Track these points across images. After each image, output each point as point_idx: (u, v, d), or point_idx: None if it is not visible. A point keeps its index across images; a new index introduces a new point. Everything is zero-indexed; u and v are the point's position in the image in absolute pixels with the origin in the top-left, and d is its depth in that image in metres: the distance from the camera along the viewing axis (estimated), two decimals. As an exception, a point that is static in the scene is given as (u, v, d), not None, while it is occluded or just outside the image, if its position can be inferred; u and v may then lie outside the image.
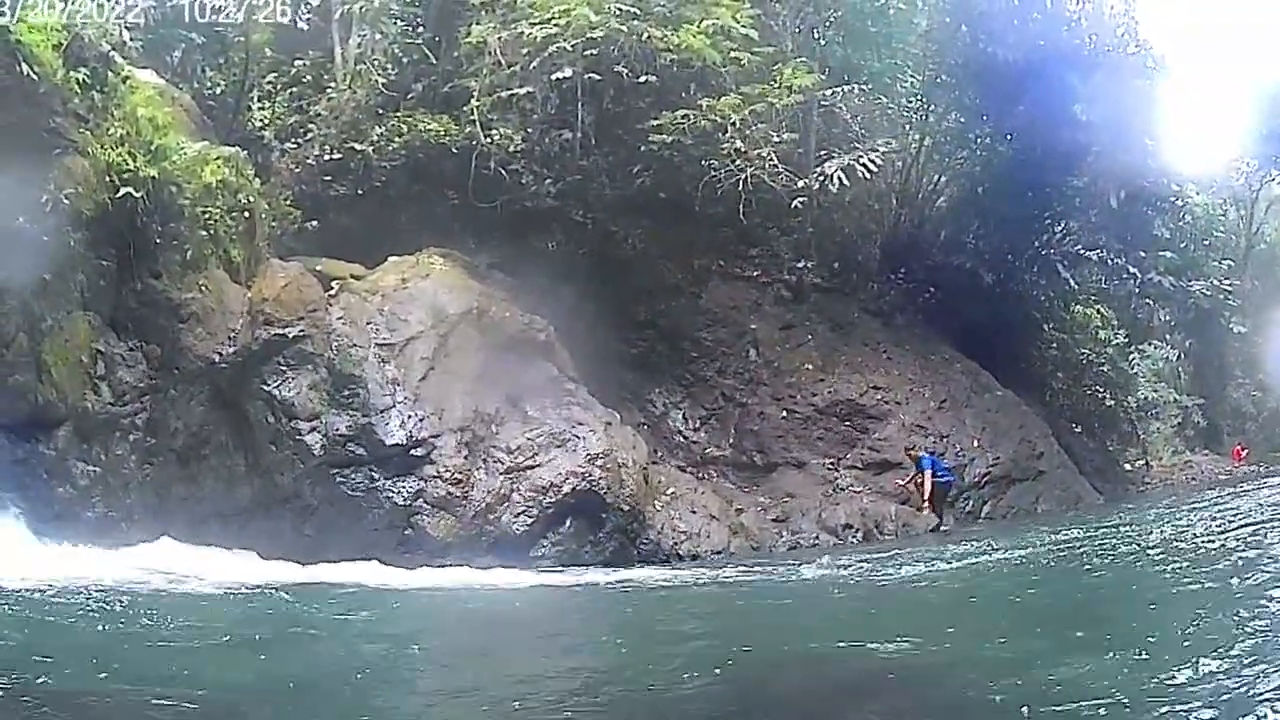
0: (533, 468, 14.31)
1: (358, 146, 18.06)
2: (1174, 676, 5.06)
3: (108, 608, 8.07)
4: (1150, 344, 33.65)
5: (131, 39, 15.89)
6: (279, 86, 20.39)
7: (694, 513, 15.75)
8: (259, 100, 20.44)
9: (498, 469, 14.16)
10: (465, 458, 13.99)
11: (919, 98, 23.28)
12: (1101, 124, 21.34)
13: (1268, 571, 7.86)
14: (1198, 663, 5.14)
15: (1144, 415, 32.40)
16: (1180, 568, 9.13)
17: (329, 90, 19.03)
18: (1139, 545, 11.19)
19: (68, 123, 12.22)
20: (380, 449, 13.61)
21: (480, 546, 13.47)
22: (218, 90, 20.39)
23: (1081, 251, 24.18)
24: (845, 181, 18.84)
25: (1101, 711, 4.74)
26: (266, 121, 20.09)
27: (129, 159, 12.59)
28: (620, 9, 17.03)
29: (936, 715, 5.44)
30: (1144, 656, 5.63)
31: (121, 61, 13.71)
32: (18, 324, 11.41)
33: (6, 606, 7.71)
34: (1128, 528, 13.38)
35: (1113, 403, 27.75)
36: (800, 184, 18.60)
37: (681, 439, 18.37)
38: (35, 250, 11.46)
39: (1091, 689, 5.06)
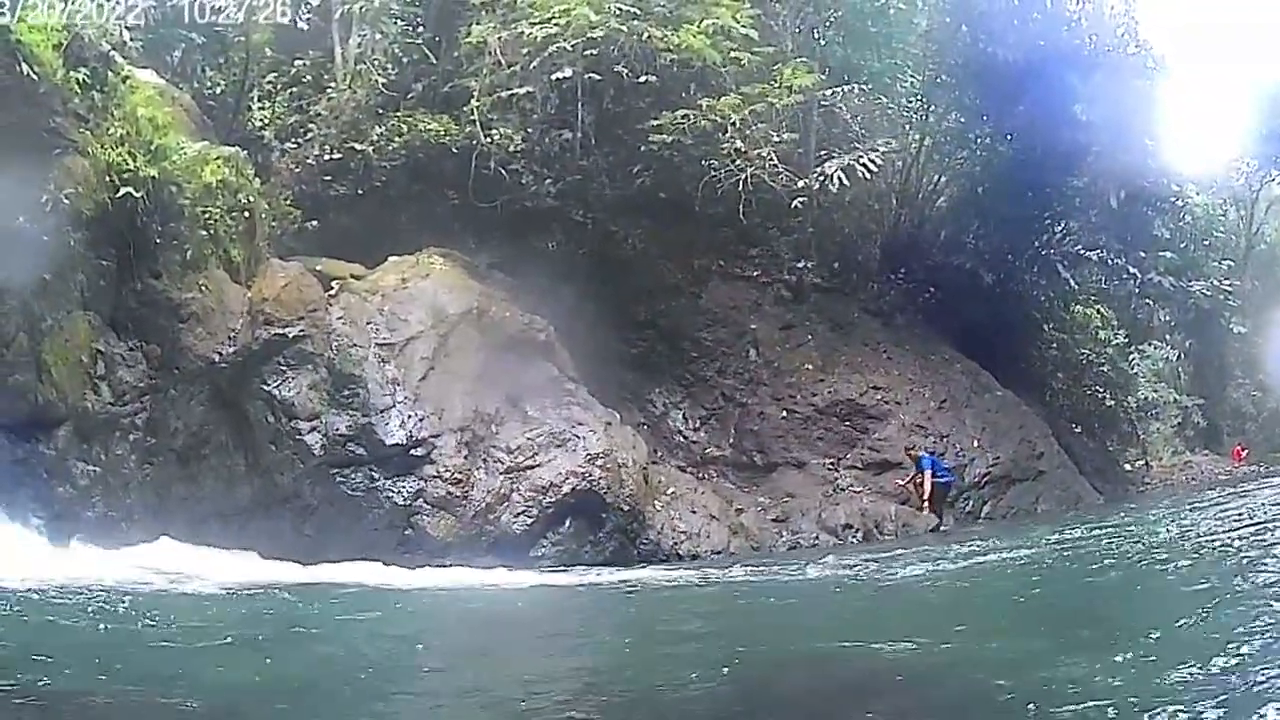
0: (533, 468, 14.31)
1: (358, 146, 18.06)
2: (1180, 676, 5.05)
3: (108, 608, 8.07)
4: (1150, 344, 33.64)
5: (131, 39, 15.90)
6: (279, 86, 20.38)
7: (694, 513, 15.74)
8: (259, 100, 20.44)
9: (498, 469, 14.16)
10: (465, 458, 13.99)
11: (919, 98, 23.27)
12: (1101, 124, 21.33)
13: (1273, 571, 7.85)
14: (1203, 662, 5.13)
15: (1144, 415, 32.40)
16: (1185, 567, 9.13)
17: (329, 90, 19.03)
18: (1143, 545, 11.20)
19: (68, 123, 12.22)
20: (380, 449, 13.61)
21: (480, 546, 13.47)
22: (218, 90, 20.39)
23: (1081, 251, 24.18)
24: (845, 181, 18.83)
25: (1108, 711, 4.73)
26: (266, 121, 20.09)
27: (129, 159, 12.59)
28: (620, 9, 17.03)
29: (942, 715, 5.43)
30: (1149, 656, 5.63)
31: (121, 61, 13.71)
32: (18, 324, 11.40)
33: (7, 606, 7.69)
34: (1131, 527, 13.39)
35: (1113, 403, 27.74)
36: (800, 184, 18.60)
37: (681, 439, 18.36)
38: (35, 250, 11.46)
39: (1097, 688, 5.05)
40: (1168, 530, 12.34)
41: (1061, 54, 20.98)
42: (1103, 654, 5.77)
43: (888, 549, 14.37)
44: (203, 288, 13.53)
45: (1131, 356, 30.45)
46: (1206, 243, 30.17)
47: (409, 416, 13.88)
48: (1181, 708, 4.60)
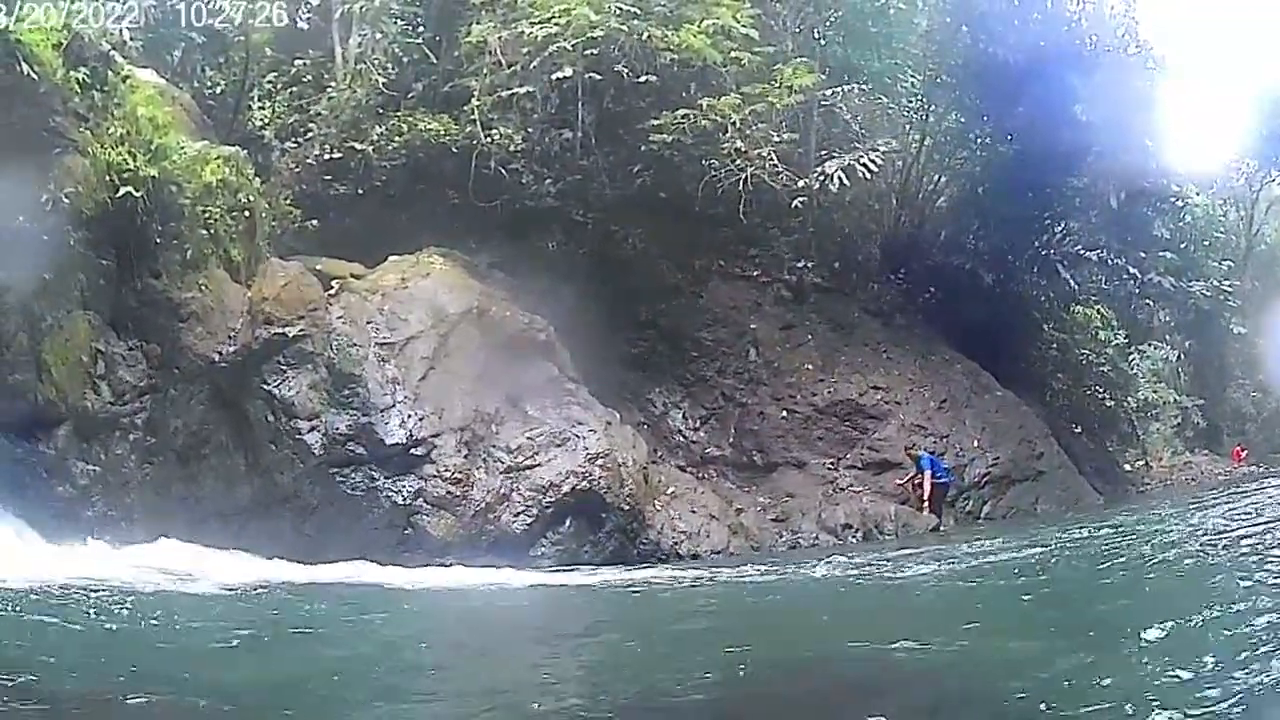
0: (533, 467, 14.30)
1: (358, 146, 18.08)
2: (1189, 676, 5.03)
3: (110, 608, 8.07)
4: (1150, 345, 33.65)
5: (131, 39, 15.92)
6: (279, 86, 20.40)
7: (694, 512, 15.75)
8: (259, 100, 20.45)
9: (498, 468, 14.15)
10: (465, 457, 13.99)
11: (919, 98, 23.26)
12: (1101, 124, 21.32)
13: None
14: (1212, 662, 5.12)
15: (1144, 416, 32.42)
16: (1192, 566, 9.09)
17: (329, 90, 19.05)
18: (1149, 543, 11.15)
19: (68, 122, 12.21)
20: (380, 448, 13.61)
21: (480, 546, 13.47)
22: (218, 90, 20.40)
23: (1081, 252, 24.18)
24: (845, 181, 18.84)
25: (1119, 711, 4.72)
26: (266, 121, 20.11)
27: (129, 158, 12.58)
28: (620, 9, 17.04)
29: (951, 715, 5.41)
30: (1158, 656, 5.60)
31: (121, 61, 13.71)
32: (18, 323, 11.40)
33: (8, 606, 7.69)
34: (1137, 526, 13.35)
35: (1113, 403, 27.75)
36: (800, 184, 18.62)
37: (681, 439, 18.36)
38: (35, 250, 11.46)
39: (1107, 688, 5.03)
40: (1173, 529, 12.29)
41: (1061, 54, 20.98)
42: (1111, 654, 5.75)
43: (891, 548, 14.35)
44: (203, 287, 13.53)
45: (1131, 357, 30.46)
46: (1206, 243, 30.19)
47: (409, 416, 13.88)
48: (1190, 708, 4.59)
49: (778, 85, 18.30)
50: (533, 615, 10.04)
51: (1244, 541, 9.41)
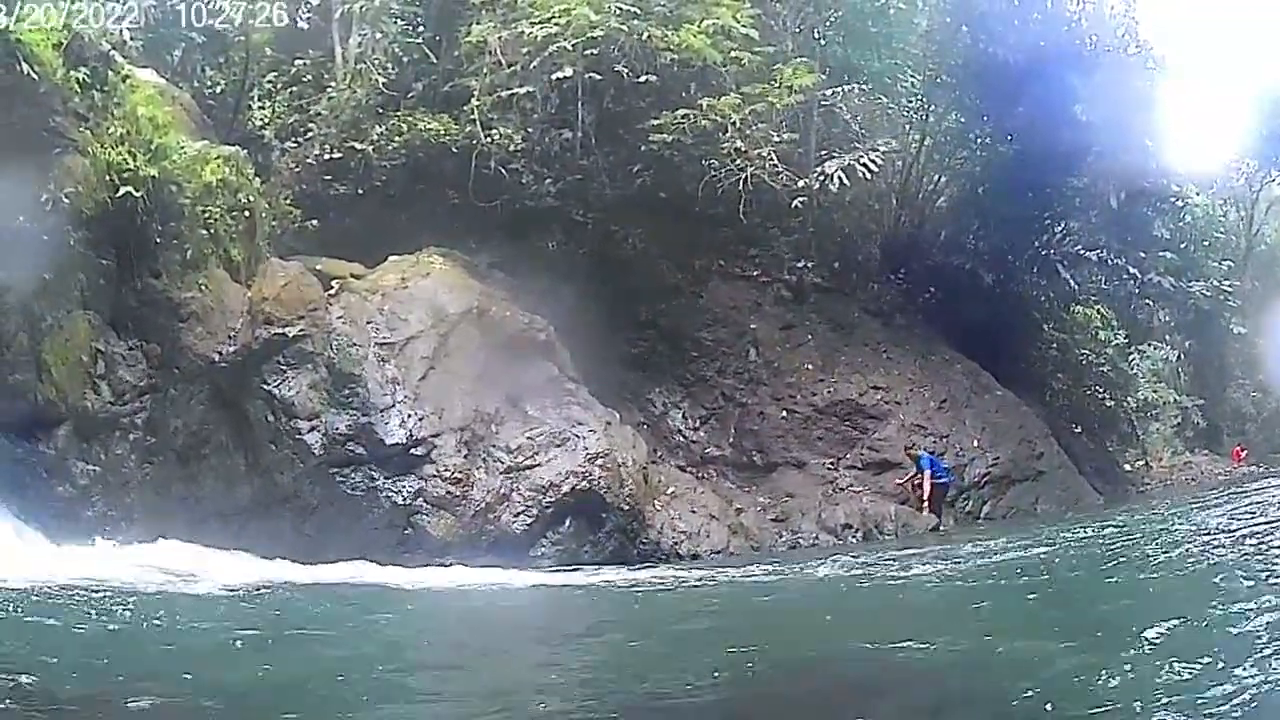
0: (533, 467, 14.30)
1: (358, 146, 18.08)
2: (1194, 676, 5.03)
3: (111, 608, 8.06)
4: (1150, 345, 33.64)
5: (131, 39, 15.91)
6: (279, 86, 20.39)
7: (694, 512, 15.74)
8: (259, 100, 20.45)
9: (498, 468, 14.15)
10: (465, 457, 13.99)
11: (919, 98, 23.25)
12: (1101, 124, 21.32)
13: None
14: (1218, 662, 5.12)
15: (1144, 416, 32.41)
16: (1195, 566, 9.09)
17: (329, 90, 19.04)
18: (1153, 543, 11.16)
19: (68, 122, 12.22)
20: (380, 448, 13.61)
21: (480, 546, 13.46)
22: (218, 90, 20.39)
23: (1081, 252, 24.17)
24: (845, 181, 18.84)
25: (1125, 711, 4.71)
26: (266, 121, 20.11)
27: (129, 158, 12.58)
28: (620, 9, 17.04)
29: (957, 715, 5.40)
30: (1163, 656, 5.59)
31: (121, 61, 13.72)
32: (18, 323, 11.41)
33: (9, 607, 7.69)
34: (1142, 526, 13.35)
35: (1112, 403, 27.74)
36: (800, 184, 18.61)
37: (681, 439, 18.36)
38: (35, 250, 11.46)
39: (1110, 688, 5.03)
40: (1176, 529, 12.31)
41: (1061, 54, 20.97)
42: (1116, 653, 5.75)
43: (892, 548, 14.35)
44: (203, 287, 13.53)
45: (1131, 357, 30.44)
46: (1206, 243, 30.18)
47: (409, 416, 13.88)
48: (1195, 708, 4.59)
49: (778, 85, 18.30)
50: (535, 615, 10.04)
51: (1247, 541, 9.42)
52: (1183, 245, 27.00)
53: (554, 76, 17.51)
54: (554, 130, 18.33)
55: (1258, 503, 13.12)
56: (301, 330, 13.91)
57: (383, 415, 13.77)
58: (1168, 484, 29.17)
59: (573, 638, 8.43)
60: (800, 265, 20.38)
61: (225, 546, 12.03)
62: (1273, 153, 31.18)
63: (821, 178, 18.92)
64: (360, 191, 18.14)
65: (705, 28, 17.54)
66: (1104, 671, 5.34)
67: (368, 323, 14.50)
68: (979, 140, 23.16)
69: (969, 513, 18.97)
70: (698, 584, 11.57)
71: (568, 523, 14.19)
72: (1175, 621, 6.62)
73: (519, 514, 13.93)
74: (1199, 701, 4.66)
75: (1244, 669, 5.01)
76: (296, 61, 20.25)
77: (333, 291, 14.72)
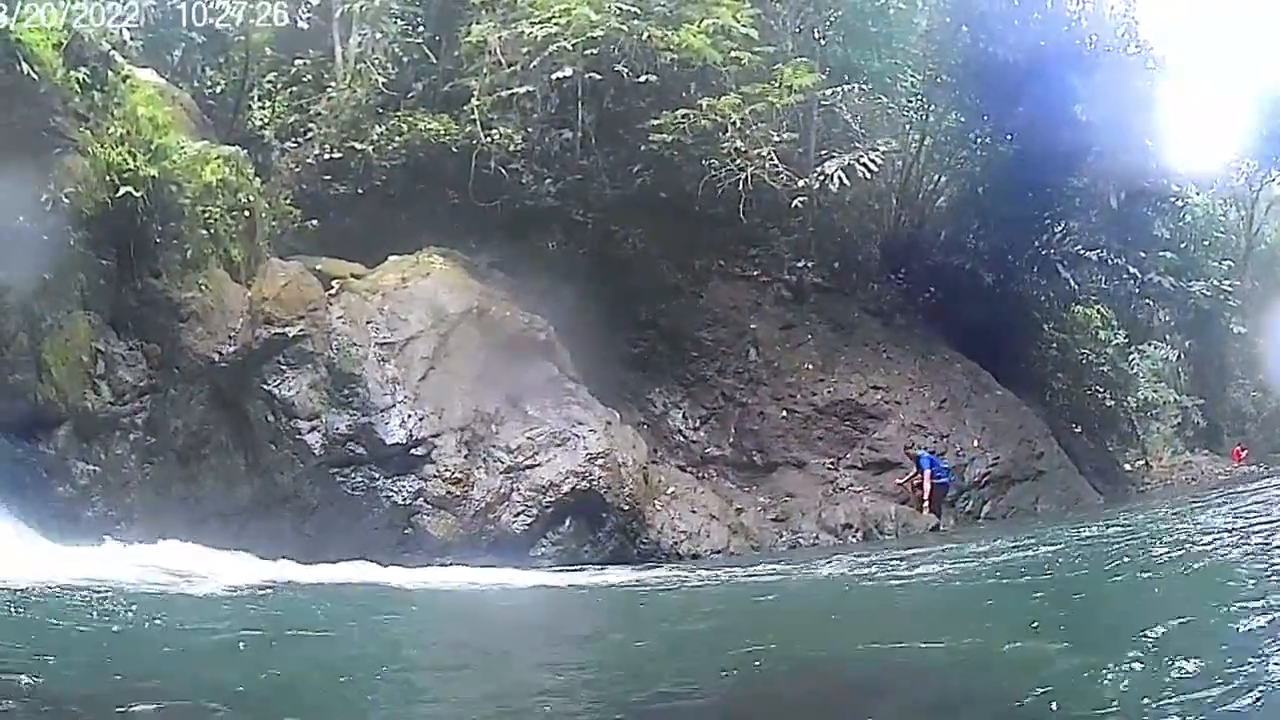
0: (533, 467, 14.30)
1: (358, 146, 18.08)
2: (1201, 675, 5.02)
3: (113, 609, 8.05)
4: (1150, 344, 33.64)
5: (131, 39, 15.90)
6: (279, 86, 20.40)
7: (694, 512, 15.74)
8: (259, 100, 20.46)
9: (498, 468, 14.15)
10: (465, 457, 13.98)
11: (919, 97, 23.25)
12: (1101, 124, 21.32)
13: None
14: (1225, 662, 5.10)
15: (1144, 415, 32.39)
16: (1201, 565, 9.06)
17: (329, 89, 19.05)
18: (1158, 542, 11.14)
19: (68, 122, 12.22)
20: (380, 448, 13.61)
21: (480, 546, 13.46)
22: (218, 90, 20.39)
23: (1081, 252, 24.17)
24: (845, 181, 18.84)
25: (1129, 711, 4.70)
26: (266, 121, 20.11)
27: (129, 158, 12.58)
28: (620, 8, 17.04)
29: (961, 715, 5.39)
30: (1170, 655, 5.56)
31: (121, 61, 13.71)
32: (18, 323, 11.41)
33: (10, 607, 7.68)
34: (1144, 525, 13.32)
35: (1113, 403, 27.73)
36: (800, 184, 18.62)
37: (681, 438, 18.36)
38: (35, 250, 11.46)
39: (1118, 688, 5.02)
40: (1181, 528, 12.29)
41: (1061, 54, 20.97)
42: (1123, 653, 5.71)
43: (894, 548, 14.33)
44: (203, 287, 13.53)
45: (1131, 357, 30.44)
46: (1206, 243, 30.18)
47: (409, 416, 13.88)
48: (1202, 707, 4.58)
49: (778, 85, 18.31)
50: (537, 615, 10.03)
51: (1251, 540, 9.40)
52: (1183, 245, 27.01)
53: (554, 76, 17.51)
54: (554, 130, 18.34)
55: (1260, 502, 13.11)
56: (301, 330, 13.91)
57: (383, 415, 13.76)
58: (1168, 484, 29.15)
59: (577, 638, 8.43)
60: (800, 265, 20.38)
61: (225, 547, 12.03)
62: (1273, 153, 31.19)
63: (821, 177, 18.92)
64: (360, 191, 18.14)
65: (705, 28, 17.54)
66: (1109, 671, 5.33)
67: (368, 323, 14.49)
68: (979, 140, 23.16)
69: (969, 512, 18.97)
70: (701, 584, 11.57)
71: (568, 522, 14.19)
72: (1181, 621, 6.61)
73: (519, 514, 13.93)
74: (1204, 701, 4.65)
75: (1250, 668, 5.00)
76: (296, 61, 20.25)
77: (333, 291, 14.72)
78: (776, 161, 18.04)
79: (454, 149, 17.82)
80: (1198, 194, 30.53)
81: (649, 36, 17.18)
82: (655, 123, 17.77)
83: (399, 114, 18.43)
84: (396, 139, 18.08)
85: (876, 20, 21.99)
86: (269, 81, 20.50)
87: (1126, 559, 10.45)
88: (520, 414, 14.81)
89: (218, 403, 13.40)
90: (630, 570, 13.12)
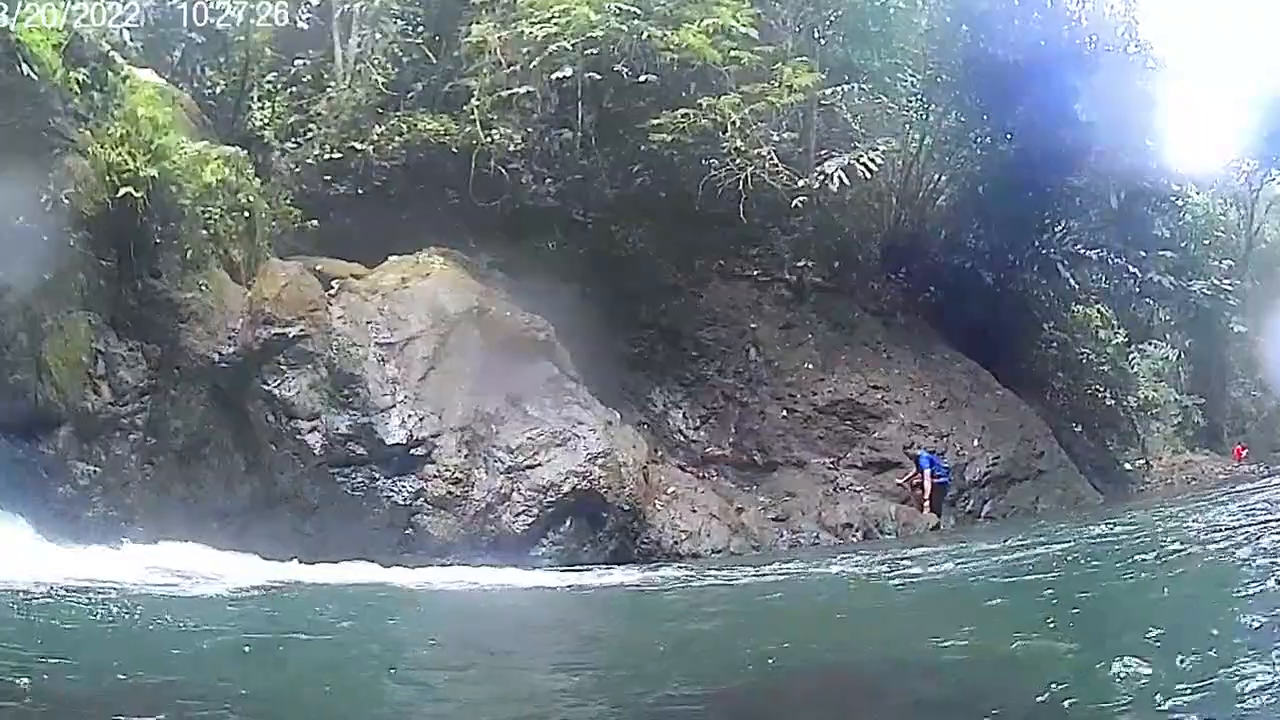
0: (533, 467, 14.30)
1: (358, 146, 18.07)
2: (1215, 674, 5.01)
3: (113, 609, 8.04)
4: (1150, 343, 33.67)
5: (131, 39, 15.91)
6: (279, 86, 20.36)
7: (694, 512, 15.74)
8: (259, 100, 20.41)
9: (498, 468, 14.15)
10: (465, 457, 13.99)
11: (919, 97, 23.25)
12: (1101, 124, 21.32)
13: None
14: (1239, 659, 5.10)
15: (1144, 415, 32.35)
16: (1214, 563, 9.02)
17: (329, 90, 19.04)
18: (1167, 540, 11.11)
19: (68, 122, 12.23)
20: (380, 448, 13.61)
21: (480, 546, 13.46)
22: (218, 90, 20.35)
23: (1082, 251, 24.17)
24: (845, 181, 18.82)
25: (1143, 708, 4.69)
26: (266, 121, 20.06)
27: (129, 159, 12.58)
28: (620, 8, 17.03)
29: (971, 713, 5.38)
30: (1184, 654, 5.53)
31: (121, 61, 13.72)
32: (18, 324, 11.42)
33: (12, 608, 7.68)
34: (1151, 523, 13.28)
35: (1113, 402, 27.72)
36: (800, 183, 18.60)
37: (682, 438, 18.37)
38: (35, 250, 11.47)
39: (1129, 687, 5.00)
40: (1189, 525, 12.24)
41: (1062, 54, 20.98)
42: (1135, 651, 5.67)
43: (897, 547, 14.31)
44: (203, 287, 13.53)
45: (1132, 356, 30.46)
46: (1207, 242, 30.18)
47: (409, 416, 13.89)
48: (1216, 704, 4.58)
49: (778, 84, 18.29)
50: (543, 615, 10.02)
51: (1264, 539, 9.36)
52: (1183, 244, 26.97)
53: (554, 76, 17.50)
54: (554, 130, 18.34)
55: (1266, 501, 13.07)
56: (302, 330, 13.92)
57: (383, 415, 13.77)
58: (1168, 483, 29.14)
59: (584, 638, 8.42)
60: (800, 265, 20.38)
61: (226, 547, 12.05)
62: (1273, 152, 31.17)
63: (821, 177, 18.90)
64: (360, 191, 18.14)
65: (705, 27, 17.52)
66: (1121, 669, 5.32)
67: (368, 323, 14.50)
68: (979, 140, 23.15)
69: (969, 512, 18.96)
70: (705, 583, 11.54)
71: (568, 522, 14.19)
72: (1193, 619, 6.60)
73: (519, 514, 13.94)
74: (1218, 699, 4.65)
75: (1264, 667, 4.98)
76: (296, 61, 20.23)
77: (333, 292, 14.73)
78: (776, 161, 18.04)
79: (454, 149, 17.82)
80: (1198, 193, 30.56)
81: (649, 36, 17.18)
82: (655, 123, 17.75)
83: (399, 114, 18.43)
84: (396, 139, 18.08)
85: (876, 20, 21.97)
86: (269, 82, 20.47)
87: (1136, 557, 10.39)
88: (520, 414, 14.81)
89: (218, 403, 13.41)
90: (632, 570, 13.11)
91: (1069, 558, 10.92)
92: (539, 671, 6.87)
